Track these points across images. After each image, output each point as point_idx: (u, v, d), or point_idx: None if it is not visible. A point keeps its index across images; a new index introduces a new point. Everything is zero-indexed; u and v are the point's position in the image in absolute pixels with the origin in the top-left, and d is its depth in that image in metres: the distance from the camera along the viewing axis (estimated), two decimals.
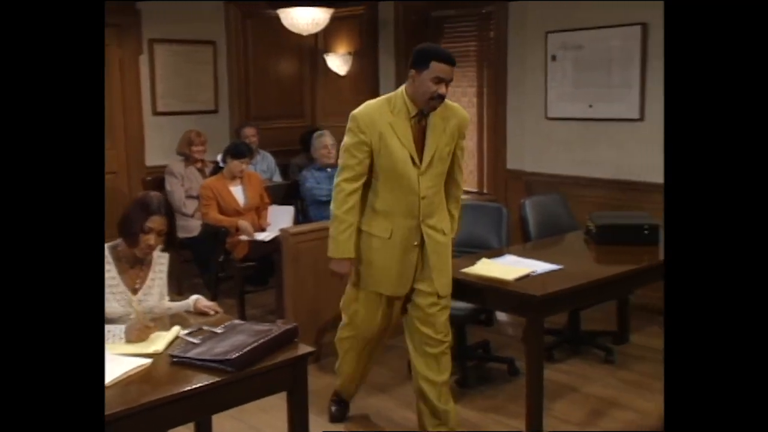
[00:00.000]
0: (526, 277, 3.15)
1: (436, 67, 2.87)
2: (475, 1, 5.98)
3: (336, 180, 3.03)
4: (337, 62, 6.89)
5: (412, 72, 2.93)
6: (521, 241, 4.25)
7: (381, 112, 2.97)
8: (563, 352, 4.36)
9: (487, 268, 3.26)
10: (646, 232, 3.82)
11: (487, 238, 4.09)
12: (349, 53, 6.91)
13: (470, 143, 6.34)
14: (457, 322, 3.92)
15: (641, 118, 4.99)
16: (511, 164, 5.89)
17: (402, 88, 3.02)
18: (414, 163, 2.96)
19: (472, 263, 3.34)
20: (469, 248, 4.01)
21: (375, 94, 6.83)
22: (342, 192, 2.99)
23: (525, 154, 5.76)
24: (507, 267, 3.28)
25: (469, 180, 6.35)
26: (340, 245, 3.02)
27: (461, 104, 6.32)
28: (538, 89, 5.52)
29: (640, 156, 5.00)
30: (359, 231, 3.07)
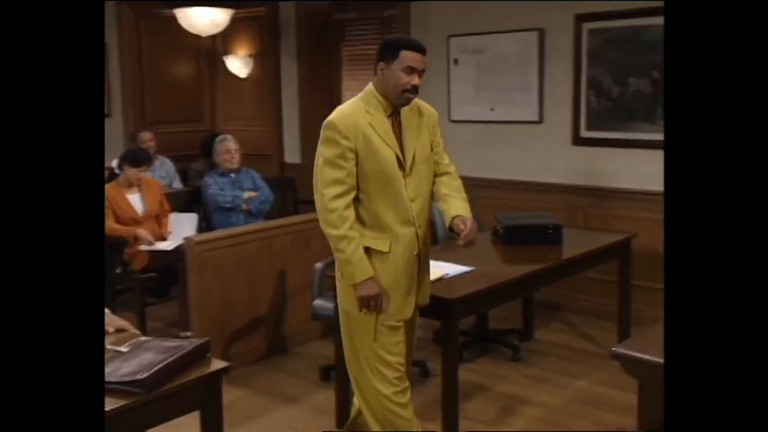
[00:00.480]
0: (440, 280, 3.14)
1: (407, 56, 2.64)
2: (377, 1, 5.97)
3: (323, 201, 2.64)
4: (238, 64, 6.73)
5: (381, 65, 2.68)
6: (430, 244, 4.25)
7: (359, 113, 2.67)
8: (472, 351, 4.40)
9: None
10: (550, 231, 3.92)
11: None
12: (250, 55, 6.76)
13: None
14: None
15: (540, 121, 5.11)
16: None
17: (370, 86, 2.75)
18: (400, 164, 2.70)
19: None
20: None
21: (277, 97, 6.71)
22: (335, 212, 2.61)
23: None
24: None
25: None
26: (360, 266, 2.63)
27: None
28: (441, 92, 5.57)
29: (540, 157, 5.13)
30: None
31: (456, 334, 3.07)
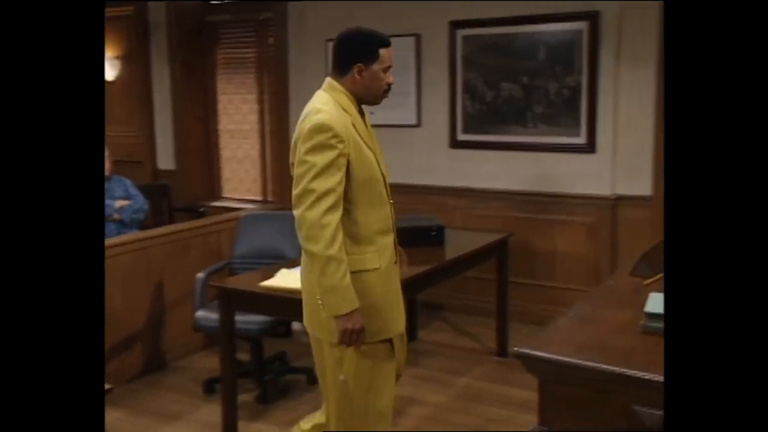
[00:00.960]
0: None
1: (386, 55, 2.40)
2: (252, 3, 5.84)
3: (312, 215, 2.25)
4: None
5: (359, 66, 2.37)
6: None
7: (341, 114, 2.36)
8: None
9: (287, 279, 3.15)
10: (433, 233, 3.96)
11: (281, 248, 3.98)
12: (117, 57, 6.43)
13: (252, 151, 6.18)
14: (254, 336, 3.79)
15: (419, 124, 5.18)
16: None
17: (335, 84, 2.43)
18: (379, 165, 2.45)
19: (272, 275, 3.22)
20: (265, 260, 3.88)
21: (148, 101, 6.41)
22: (329, 227, 2.24)
23: None
24: None
25: (252, 188, 6.20)
26: (347, 295, 2.28)
27: (242, 112, 6.25)
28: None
29: (420, 160, 5.19)
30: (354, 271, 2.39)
31: None
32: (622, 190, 4.59)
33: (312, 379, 3.97)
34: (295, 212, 2.30)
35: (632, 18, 4.42)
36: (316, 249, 2.24)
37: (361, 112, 2.47)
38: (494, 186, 4.93)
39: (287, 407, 3.73)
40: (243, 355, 3.93)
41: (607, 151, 4.56)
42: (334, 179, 2.26)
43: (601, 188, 4.60)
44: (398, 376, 2.66)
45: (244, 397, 3.73)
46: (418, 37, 5.08)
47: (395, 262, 2.52)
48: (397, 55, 5.05)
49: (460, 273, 4.32)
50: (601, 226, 4.63)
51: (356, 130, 2.36)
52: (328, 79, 2.46)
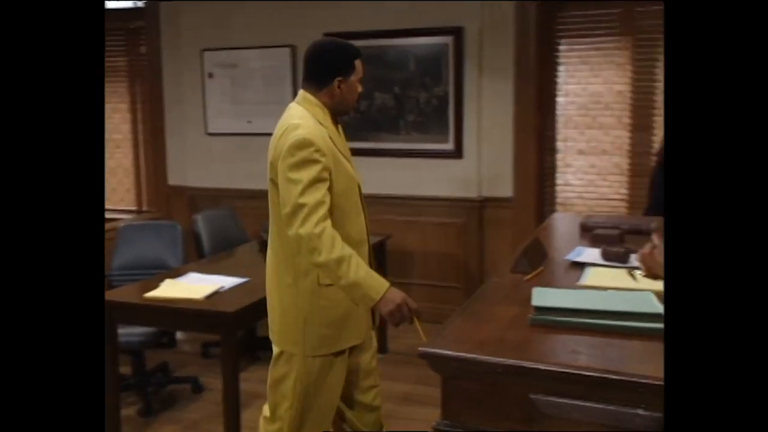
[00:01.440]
0: (216, 293, 2.98)
1: (359, 66, 2.33)
2: (123, 11, 5.55)
3: (306, 229, 2.12)
4: None
5: (339, 80, 2.28)
6: (195, 258, 4.04)
7: (318, 126, 2.26)
8: (243, 361, 4.26)
9: (172, 289, 3.01)
10: None
11: (163, 258, 3.80)
12: None
13: (125, 160, 5.87)
14: (136, 349, 3.59)
15: None
16: (172, 180, 5.59)
17: (309, 96, 2.32)
18: (353, 176, 2.38)
19: (156, 286, 3.06)
20: (146, 270, 3.68)
21: None
22: (325, 233, 2.12)
23: (187, 170, 5.52)
24: (193, 286, 3.06)
25: (126, 198, 5.89)
26: (372, 281, 2.15)
27: (113, 121, 5.92)
28: (197, 105, 5.33)
29: None
30: (318, 286, 2.28)
31: (235, 346, 2.93)
32: (487, 192, 4.76)
33: (197, 388, 3.82)
34: (289, 232, 2.16)
35: (492, 34, 4.61)
36: (321, 259, 2.12)
37: (335, 123, 2.38)
38: (370, 191, 4.90)
39: (174, 417, 3.56)
40: (124, 368, 3.72)
41: (473, 156, 4.72)
42: (321, 192, 2.16)
43: (469, 191, 4.75)
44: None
45: (127, 411, 3.52)
46: (293, 48, 5.02)
47: None
48: (272, 65, 5.07)
49: None
50: (470, 227, 4.78)
51: (333, 142, 2.27)
52: (302, 92, 2.35)
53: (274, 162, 2.23)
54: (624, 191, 4.62)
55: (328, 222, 2.14)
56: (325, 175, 2.18)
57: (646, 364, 1.43)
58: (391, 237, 4.50)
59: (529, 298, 1.79)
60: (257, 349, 4.36)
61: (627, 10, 4.48)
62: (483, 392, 1.48)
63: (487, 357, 1.48)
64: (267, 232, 3.76)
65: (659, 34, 4.41)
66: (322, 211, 2.14)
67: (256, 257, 3.85)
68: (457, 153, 4.72)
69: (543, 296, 1.73)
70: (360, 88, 2.34)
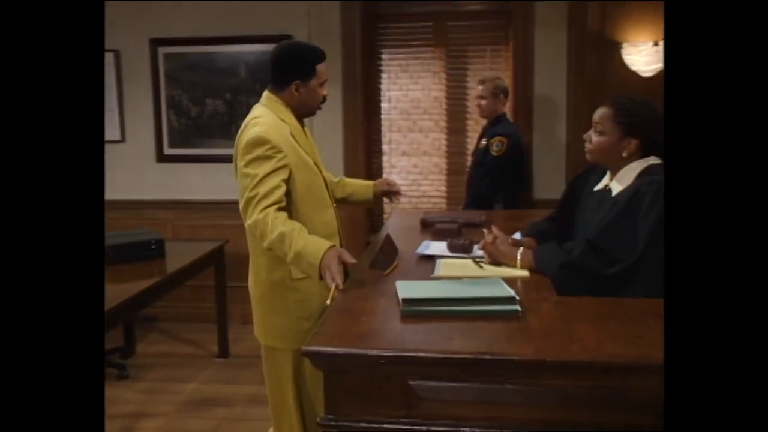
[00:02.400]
0: None
1: (322, 71, 2.30)
2: None
3: (255, 216, 2.10)
4: None
5: (297, 84, 2.27)
6: None
7: (279, 124, 2.25)
8: None
9: None
10: (153, 247, 3.73)
11: None
12: None
13: None
14: None
15: (123, 140, 4.82)
16: None
17: (272, 96, 2.32)
18: (319, 171, 2.39)
19: None
20: None
21: None
22: (269, 215, 2.08)
23: None
24: None
25: None
26: (313, 247, 2.02)
27: None
28: None
29: (126, 175, 4.82)
30: (284, 287, 2.27)
31: None
32: None
33: None
34: (246, 224, 2.17)
35: (319, 42, 4.59)
36: (267, 242, 2.09)
37: (301, 121, 2.38)
38: (204, 197, 4.79)
39: None
40: None
41: None
42: (273, 183, 2.13)
43: None
44: None
45: None
46: (116, 53, 4.69)
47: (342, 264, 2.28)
48: None
49: (183, 283, 4.11)
50: None
51: (295, 139, 2.27)
52: (266, 93, 2.36)
53: (235, 159, 2.26)
54: (443, 189, 4.87)
55: (275, 207, 2.10)
56: (282, 170, 2.17)
57: (512, 343, 1.53)
58: (229, 241, 4.37)
59: (392, 291, 1.83)
60: None
61: (439, 23, 4.72)
62: (365, 383, 1.50)
63: (368, 350, 1.49)
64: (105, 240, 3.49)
65: (467, 46, 4.70)
66: (271, 199, 2.11)
67: None
68: None
69: (407, 289, 1.78)
70: (324, 92, 2.34)
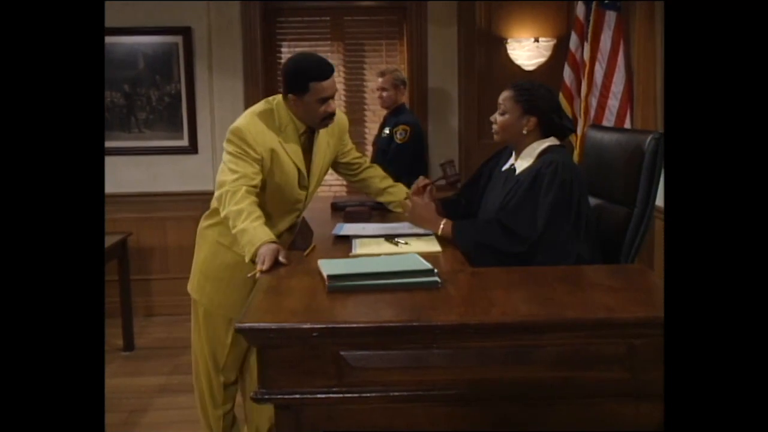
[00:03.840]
0: None
1: (317, 88, 2.19)
2: None
3: (220, 191, 2.16)
4: None
5: (291, 97, 2.24)
6: None
7: (270, 128, 2.25)
8: None
9: None
10: None
11: None
12: None
13: None
14: None
15: None
16: None
17: (279, 99, 2.30)
18: (301, 185, 2.35)
19: None
20: None
21: None
22: (233, 192, 2.10)
23: None
24: None
25: None
26: (261, 233, 2.01)
27: None
28: None
29: None
30: (219, 245, 2.35)
31: None
32: None
33: None
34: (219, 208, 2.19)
35: (219, 35, 4.50)
36: (225, 211, 2.12)
37: (310, 131, 2.34)
38: (107, 190, 4.54)
39: None
40: None
41: (207, 151, 4.58)
42: (244, 169, 2.17)
43: (206, 184, 4.59)
44: None
45: None
46: None
47: None
48: None
49: None
50: None
51: (283, 147, 2.26)
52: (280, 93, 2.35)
53: None
54: None
55: (244, 187, 2.12)
56: (254, 160, 2.19)
57: (436, 310, 1.56)
58: (131, 234, 4.18)
59: (314, 270, 1.82)
60: None
61: (336, 18, 4.72)
62: (298, 356, 1.48)
63: (300, 323, 1.48)
64: None
65: (364, 40, 4.73)
66: (240, 181, 2.14)
67: None
68: (192, 149, 4.55)
69: (330, 266, 1.78)
70: (321, 108, 2.24)
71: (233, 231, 2.07)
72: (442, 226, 2.19)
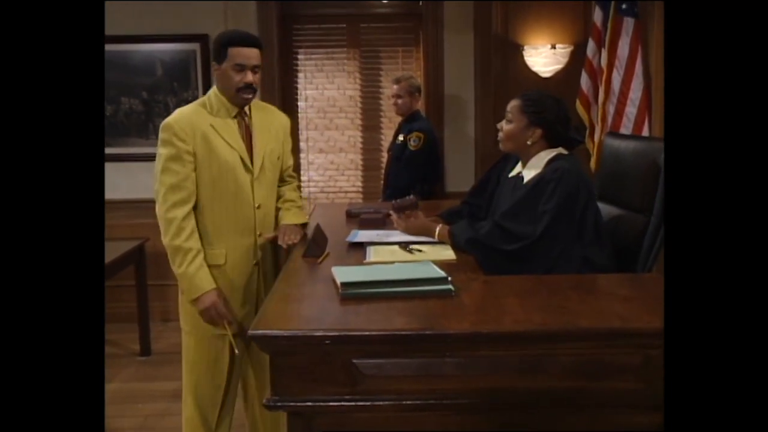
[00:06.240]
0: None
1: (234, 53, 2.22)
2: None
3: (161, 210, 2.22)
4: None
5: (214, 65, 2.30)
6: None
7: (200, 114, 2.26)
8: None
9: None
10: None
11: None
12: None
13: None
14: None
15: None
16: None
17: (213, 88, 2.34)
18: (246, 167, 2.30)
19: None
20: None
21: None
22: (175, 220, 2.18)
23: None
24: None
25: None
26: (196, 279, 2.20)
27: None
28: None
29: None
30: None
31: None
32: None
33: None
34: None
35: None
36: (165, 241, 2.22)
37: (244, 114, 2.33)
38: (123, 196, 4.60)
39: None
40: None
41: None
42: (179, 175, 2.20)
43: None
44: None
45: None
46: None
47: (254, 263, 2.37)
48: None
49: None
50: None
51: (215, 130, 2.25)
52: None
53: None
54: (359, 184, 4.90)
55: (183, 209, 2.19)
56: (186, 158, 2.20)
57: (449, 318, 1.57)
58: (148, 240, 4.21)
59: (327, 277, 1.83)
60: None
61: (352, 25, 4.75)
62: (310, 364, 1.49)
63: (313, 331, 1.49)
64: None
65: (380, 47, 4.75)
66: (178, 195, 2.19)
67: None
68: None
69: (344, 274, 1.79)
70: (237, 77, 2.23)
71: (176, 272, 2.21)
72: (438, 230, 2.25)
